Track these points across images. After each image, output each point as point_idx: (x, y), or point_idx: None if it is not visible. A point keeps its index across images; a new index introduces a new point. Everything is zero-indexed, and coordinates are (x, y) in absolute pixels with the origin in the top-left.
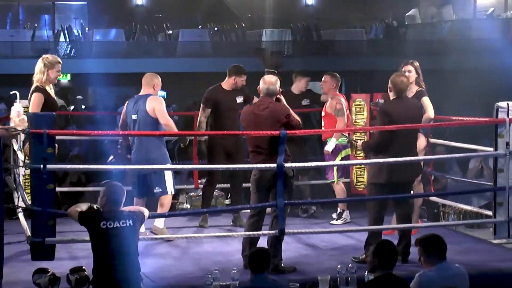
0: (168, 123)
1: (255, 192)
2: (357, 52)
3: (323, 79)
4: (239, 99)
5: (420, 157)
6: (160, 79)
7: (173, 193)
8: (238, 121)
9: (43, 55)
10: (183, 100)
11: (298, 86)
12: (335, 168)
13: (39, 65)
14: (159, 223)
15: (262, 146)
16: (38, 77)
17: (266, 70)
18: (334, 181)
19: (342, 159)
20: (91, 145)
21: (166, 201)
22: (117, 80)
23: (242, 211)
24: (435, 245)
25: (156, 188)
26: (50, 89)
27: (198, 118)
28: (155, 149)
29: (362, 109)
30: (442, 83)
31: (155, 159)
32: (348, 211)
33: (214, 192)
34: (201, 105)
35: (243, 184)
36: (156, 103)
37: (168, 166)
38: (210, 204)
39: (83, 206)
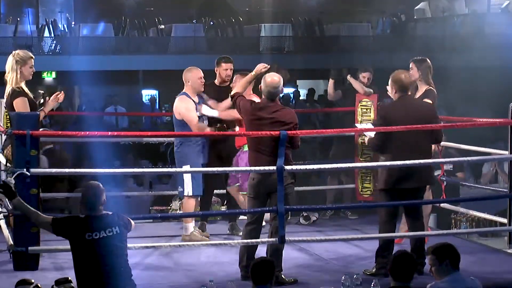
0: (189, 120)
1: (252, 198)
2: (363, 49)
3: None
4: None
5: (429, 160)
6: (194, 72)
7: (194, 195)
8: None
9: (14, 51)
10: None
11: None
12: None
13: (10, 62)
14: (186, 230)
15: (262, 148)
16: (11, 76)
17: None
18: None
19: None
20: (77, 148)
21: (185, 202)
22: (105, 78)
23: (239, 219)
24: (448, 253)
25: (179, 187)
26: (25, 87)
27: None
28: (177, 148)
29: (368, 110)
30: (453, 81)
31: (177, 159)
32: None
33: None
34: None
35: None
36: (176, 102)
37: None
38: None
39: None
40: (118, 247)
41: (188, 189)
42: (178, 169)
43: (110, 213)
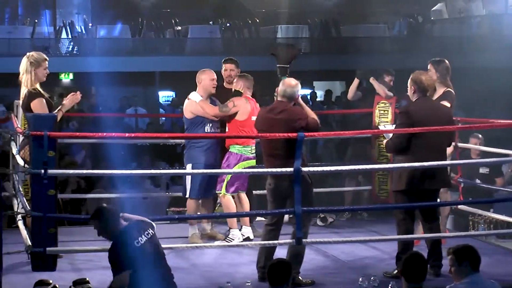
0: (210, 110)
1: (271, 201)
2: (380, 50)
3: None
4: None
5: (446, 162)
6: (207, 74)
7: (192, 197)
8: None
9: (28, 53)
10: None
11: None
12: (226, 179)
13: (25, 64)
14: (190, 231)
15: (277, 152)
16: (25, 77)
17: (277, 65)
18: (221, 193)
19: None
20: (94, 149)
21: (188, 204)
22: (122, 79)
23: (256, 220)
24: (468, 254)
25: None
26: (40, 89)
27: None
28: (185, 150)
29: (386, 112)
30: (471, 82)
31: (184, 160)
32: (238, 230)
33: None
34: None
35: (254, 191)
36: (186, 103)
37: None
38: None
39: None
40: (160, 247)
41: (187, 190)
42: (191, 171)
43: (134, 219)
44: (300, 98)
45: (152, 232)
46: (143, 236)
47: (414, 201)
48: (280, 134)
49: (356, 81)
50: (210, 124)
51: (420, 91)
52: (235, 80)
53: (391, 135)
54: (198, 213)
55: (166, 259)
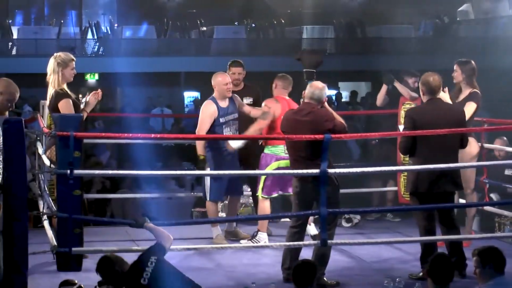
0: (198, 129)
1: (297, 204)
2: (405, 51)
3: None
4: (247, 100)
5: (466, 164)
6: (221, 78)
7: (211, 199)
8: (246, 126)
9: (55, 53)
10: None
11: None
12: (261, 180)
13: (52, 64)
14: (213, 233)
15: (303, 154)
16: (53, 78)
17: (304, 70)
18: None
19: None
20: (119, 150)
21: (207, 206)
22: (147, 80)
23: (281, 221)
24: (493, 256)
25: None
26: (67, 89)
27: None
28: (207, 151)
29: None
30: (497, 83)
31: (207, 162)
32: (266, 234)
33: (250, 200)
34: None
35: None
36: (202, 107)
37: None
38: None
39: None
40: (171, 268)
41: (207, 193)
42: (212, 172)
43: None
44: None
45: (154, 259)
46: (146, 269)
47: (427, 203)
48: (307, 136)
49: (384, 88)
50: (230, 126)
51: (429, 92)
52: (274, 82)
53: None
54: (220, 215)
55: (184, 276)
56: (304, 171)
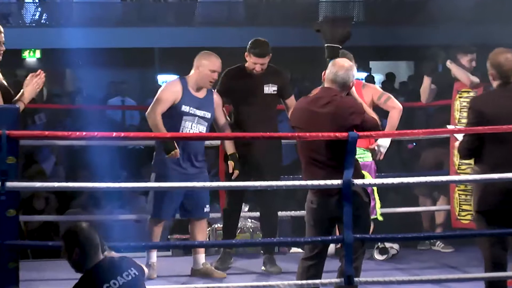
0: (149, 109)
1: (312, 226)
2: (460, 18)
3: None
4: (269, 88)
5: None
6: (210, 61)
7: (154, 217)
8: (269, 122)
9: None
10: None
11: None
12: (376, 198)
13: None
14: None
15: (320, 158)
16: None
17: (326, 45)
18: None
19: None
20: (68, 154)
21: (148, 226)
22: (108, 59)
23: (291, 252)
24: None
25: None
26: None
27: None
28: (155, 154)
29: None
30: None
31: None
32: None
33: (249, 223)
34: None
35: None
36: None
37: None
38: (234, 234)
39: None
40: None
41: (149, 209)
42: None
43: (116, 256)
44: (354, 87)
45: (134, 273)
46: (119, 279)
47: (497, 225)
48: (326, 134)
49: (427, 81)
50: (194, 123)
51: (500, 77)
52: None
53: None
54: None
55: None
56: (321, 182)
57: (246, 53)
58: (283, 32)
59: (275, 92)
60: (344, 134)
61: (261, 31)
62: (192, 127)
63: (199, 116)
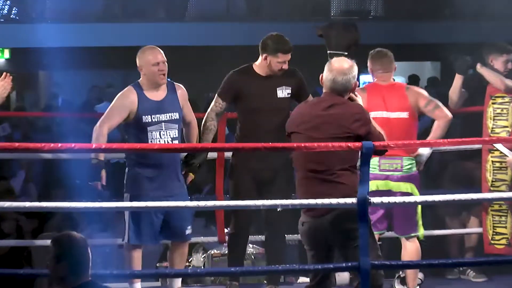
0: (99, 121)
1: (310, 250)
2: (495, 13)
3: None
4: (283, 92)
5: None
6: (146, 55)
7: (131, 243)
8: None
9: None
10: (196, 91)
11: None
12: (418, 211)
13: None
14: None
15: (322, 169)
16: None
17: (329, 52)
18: (417, 235)
19: None
20: (40, 169)
21: (126, 253)
22: (89, 59)
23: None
24: None
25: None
26: None
27: (205, 117)
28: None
29: (505, 111)
30: None
31: None
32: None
33: (251, 248)
34: (216, 95)
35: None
36: None
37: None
38: (242, 263)
39: None
40: None
41: (125, 233)
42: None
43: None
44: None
45: None
46: None
47: None
48: (337, 144)
49: (458, 80)
50: (163, 131)
51: None
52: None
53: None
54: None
55: None
56: (333, 200)
57: (265, 54)
58: (290, 28)
59: (289, 95)
60: (357, 144)
61: (264, 27)
62: (162, 136)
63: (165, 121)
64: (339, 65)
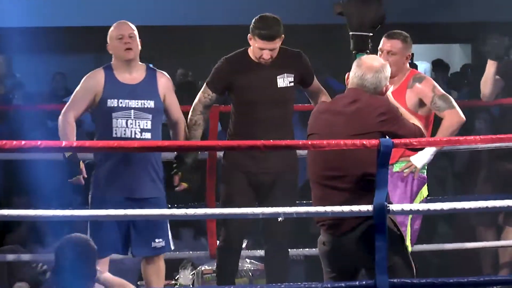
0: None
1: (329, 271)
2: None
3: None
4: (284, 80)
5: None
6: (111, 30)
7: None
8: (285, 127)
9: None
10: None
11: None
12: (408, 225)
13: None
14: None
15: (339, 174)
16: None
17: (351, 33)
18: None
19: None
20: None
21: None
22: (57, 42)
23: None
24: None
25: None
26: None
27: (191, 110)
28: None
29: None
30: None
31: None
32: None
33: (248, 264)
34: (204, 84)
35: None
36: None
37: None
38: (233, 282)
39: None
40: None
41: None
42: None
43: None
44: (390, 90)
45: None
46: None
47: None
48: (350, 141)
49: (491, 67)
50: (131, 119)
51: None
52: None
53: None
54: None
55: None
56: (346, 208)
57: (249, 35)
58: (298, 3)
59: (292, 84)
60: (374, 141)
61: (266, 3)
62: (129, 125)
63: (135, 108)
64: (371, 62)
